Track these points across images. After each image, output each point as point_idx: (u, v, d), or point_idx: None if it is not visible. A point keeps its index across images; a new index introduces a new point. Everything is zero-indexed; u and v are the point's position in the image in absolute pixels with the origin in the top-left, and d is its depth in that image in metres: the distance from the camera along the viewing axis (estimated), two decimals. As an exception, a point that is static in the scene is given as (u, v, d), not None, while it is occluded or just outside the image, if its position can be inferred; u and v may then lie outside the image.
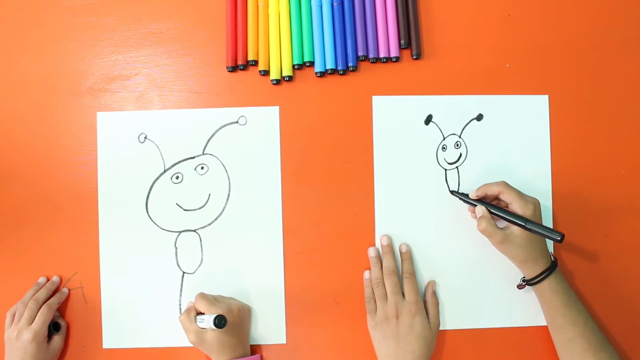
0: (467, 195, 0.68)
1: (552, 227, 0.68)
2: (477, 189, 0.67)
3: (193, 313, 0.65)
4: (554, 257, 0.66)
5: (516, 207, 0.64)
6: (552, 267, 0.64)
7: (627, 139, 0.72)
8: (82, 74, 0.72)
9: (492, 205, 0.67)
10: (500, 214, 0.65)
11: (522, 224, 0.63)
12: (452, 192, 0.70)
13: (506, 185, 0.66)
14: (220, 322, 0.60)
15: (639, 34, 0.73)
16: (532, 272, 0.64)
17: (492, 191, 0.66)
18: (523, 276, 0.67)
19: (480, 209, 0.66)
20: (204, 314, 0.64)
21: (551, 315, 0.65)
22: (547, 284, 0.64)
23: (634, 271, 0.71)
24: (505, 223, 0.65)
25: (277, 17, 0.71)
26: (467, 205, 0.69)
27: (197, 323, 0.64)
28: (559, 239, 0.61)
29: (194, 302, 0.66)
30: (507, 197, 0.65)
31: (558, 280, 0.64)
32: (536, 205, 0.64)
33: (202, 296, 0.66)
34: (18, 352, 0.64)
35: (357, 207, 0.71)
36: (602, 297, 0.70)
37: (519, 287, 0.69)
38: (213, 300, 0.65)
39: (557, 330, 0.65)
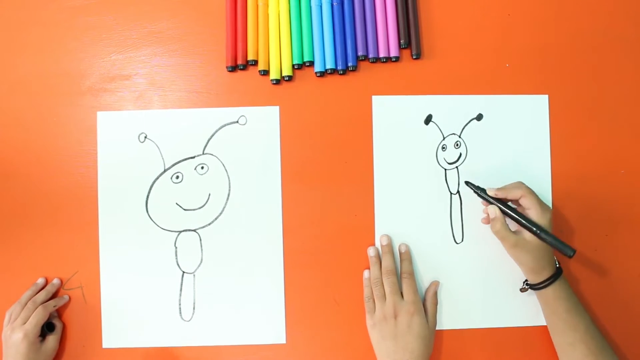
0: (484, 191, 0.66)
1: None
2: (498, 189, 0.65)
3: None
4: (559, 264, 0.65)
5: (533, 213, 0.63)
6: (557, 274, 0.64)
7: (627, 139, 0.72)
8: (82, 74, 0.72)
9: (507, 205, 0.65)
10: (515, 216, 0.64)
11: (535, 230, 0.62)
12: (467, 182, 0.69)
13: (529, 190, 0.64)
14: None
15: (639, 34, 0.73)
16: (538, 278, 0.64)
17: (514, 195, 0.64)
18: (525, 279, 0.67)
19: (494, 210, 0.65)
20: None
21: (552, 320, 0.65)
22: (551, 290, 0.64)
23: (634, 271, 0.71)
24: (516, 225, 0.65)
25: (277, 17, 0.71)
26: (466, 206, 0.69)
27: None
28: (571, 254, 0.60)
29: None
30: (527, 203, 0.64)
31: (562, 286, 0.64)
32: (551, 215, 0.63)
33: None
34: (10, 350, 0.64)
35: (357, 207, 0.71)
36: (601, 296, 0.70)
37: (522, 290, 0.68)
38: None
39: (558, 334, 0.64)
